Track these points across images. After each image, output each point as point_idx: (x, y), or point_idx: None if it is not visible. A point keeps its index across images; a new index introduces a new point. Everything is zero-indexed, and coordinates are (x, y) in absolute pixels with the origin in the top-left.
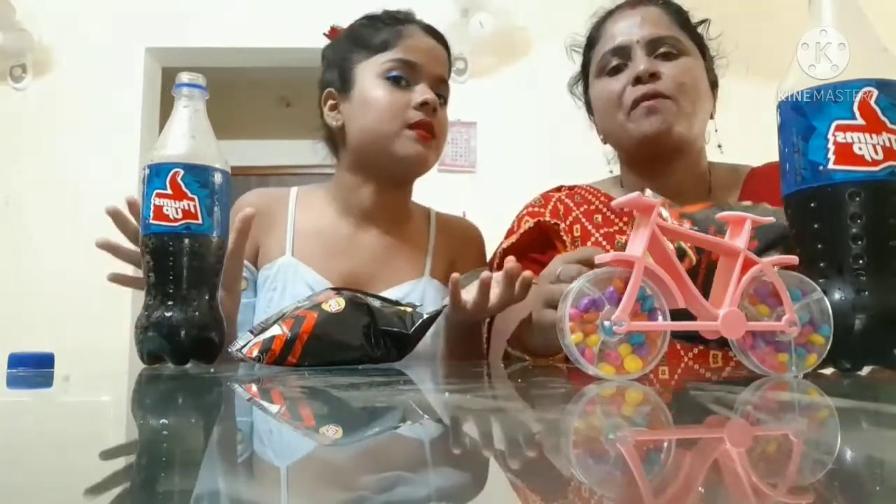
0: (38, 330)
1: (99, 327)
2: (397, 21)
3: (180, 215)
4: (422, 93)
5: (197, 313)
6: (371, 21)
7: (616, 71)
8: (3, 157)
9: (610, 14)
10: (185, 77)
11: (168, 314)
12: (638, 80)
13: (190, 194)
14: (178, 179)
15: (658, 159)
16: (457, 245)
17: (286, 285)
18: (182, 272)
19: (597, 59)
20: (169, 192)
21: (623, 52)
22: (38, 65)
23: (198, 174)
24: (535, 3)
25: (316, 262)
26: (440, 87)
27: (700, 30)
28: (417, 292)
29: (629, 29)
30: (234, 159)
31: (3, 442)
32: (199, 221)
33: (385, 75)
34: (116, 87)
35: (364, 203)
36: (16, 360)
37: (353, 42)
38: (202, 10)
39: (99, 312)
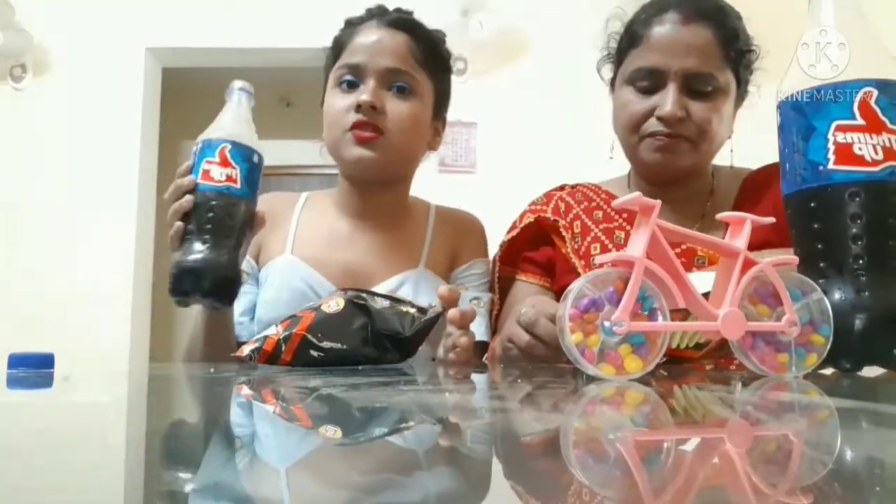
0: (38, 330)
1: (99, 327)
2: (360, 20)
3: (224, 178)
4: (358, 94)
5: (225, 257)
6: (343, 23)
7: (645, 91)
8: (3, 157)
9: (660, 15)
10: (238, 84)
11: (201, 255)
12: (662, 118)
13: (234, 164)
14: (226, 152)
15: (663, 182)
16: (456, 236)
17: (283, 281)
18: (217, 223)
19: (630, 67)
20: (217, 160)
21: (656, 76)
22: (38, 65)
23: (242, 150)
24: (535, 3)
25: (314, 259)
26: (398, 78)
27: (744, 42)
28: (410, 283)
29: (671, 53)
30: None
31: (3, 442)
32: (238, 186)
33: (337, 83)
34: (116, 87)
35: (357, 204)
36: (16, 361)
37: (330, 47)
38: (202, 10)
39: (99, 312)
